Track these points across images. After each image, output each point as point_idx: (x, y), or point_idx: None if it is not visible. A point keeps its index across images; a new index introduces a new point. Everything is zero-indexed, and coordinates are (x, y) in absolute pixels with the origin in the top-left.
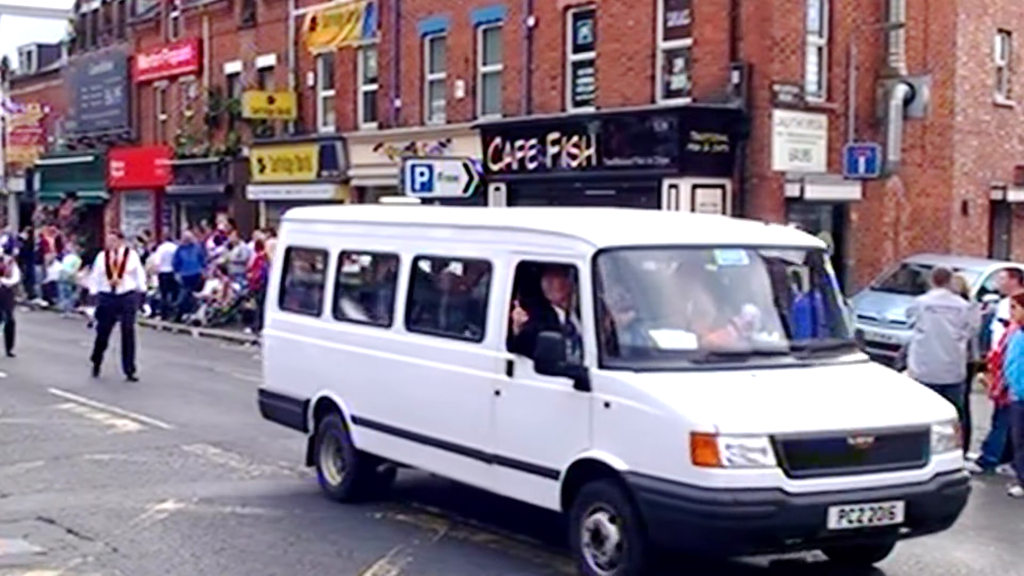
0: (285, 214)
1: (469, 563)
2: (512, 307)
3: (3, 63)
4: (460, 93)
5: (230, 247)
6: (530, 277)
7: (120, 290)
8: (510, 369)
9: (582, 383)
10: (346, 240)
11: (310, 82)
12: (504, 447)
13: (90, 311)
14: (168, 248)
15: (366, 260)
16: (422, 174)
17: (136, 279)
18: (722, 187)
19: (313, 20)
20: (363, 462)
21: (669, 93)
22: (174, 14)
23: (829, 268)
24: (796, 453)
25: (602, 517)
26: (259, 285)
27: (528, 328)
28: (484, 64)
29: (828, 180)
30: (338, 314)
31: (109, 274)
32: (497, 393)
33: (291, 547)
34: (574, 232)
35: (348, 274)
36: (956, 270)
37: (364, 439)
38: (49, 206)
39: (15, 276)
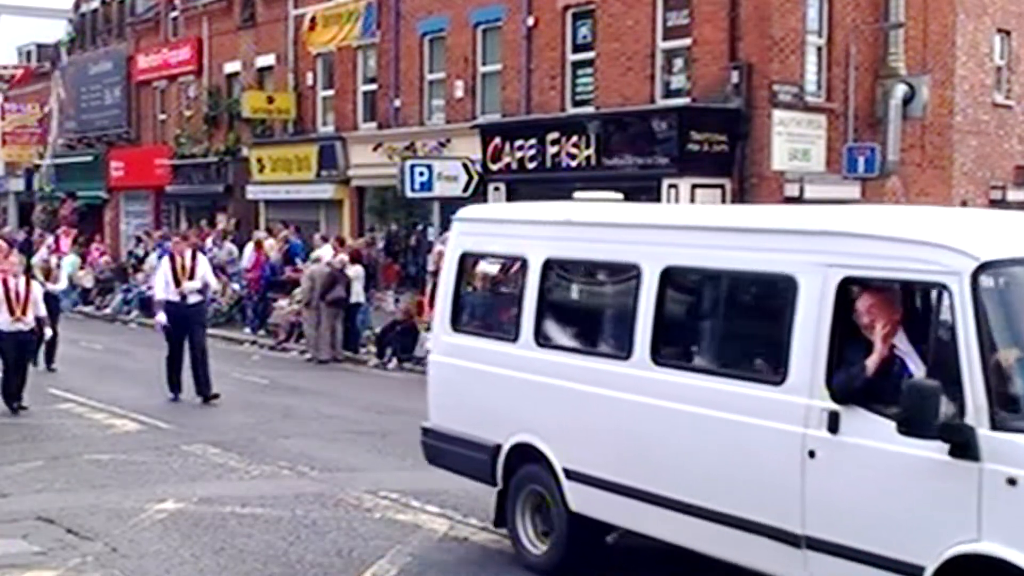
0: (458, 213)
1: (470, 563)
2: (834, 339)
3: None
4: (459, 93)
5: (219, 247)
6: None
7: (190, 299)
8: (834, 423)
9: (965, 449)
10: (554, 246)
11: (309, 82)
12: (824, 527)
13: (161, 318)
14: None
15: (585, 272)
16: (421, 174)
17: (205, 286)
18: (721, 187)
19: (312, 20)
20: (579, 527)
21: (668, 93)
22: (173, 14)
23: None
24: None
25: None
26: (258, 286)
27: (857, 369)
28: (483, 64)
29: (827, 180)
30: (543, 339)
31: (177, 281)
32: (811, 454)
33: (291, 547)
34: (940, 240)
35: (557, 289)
36: None
37: (582, 499)
38: (48, 206)
39: (63, 282)
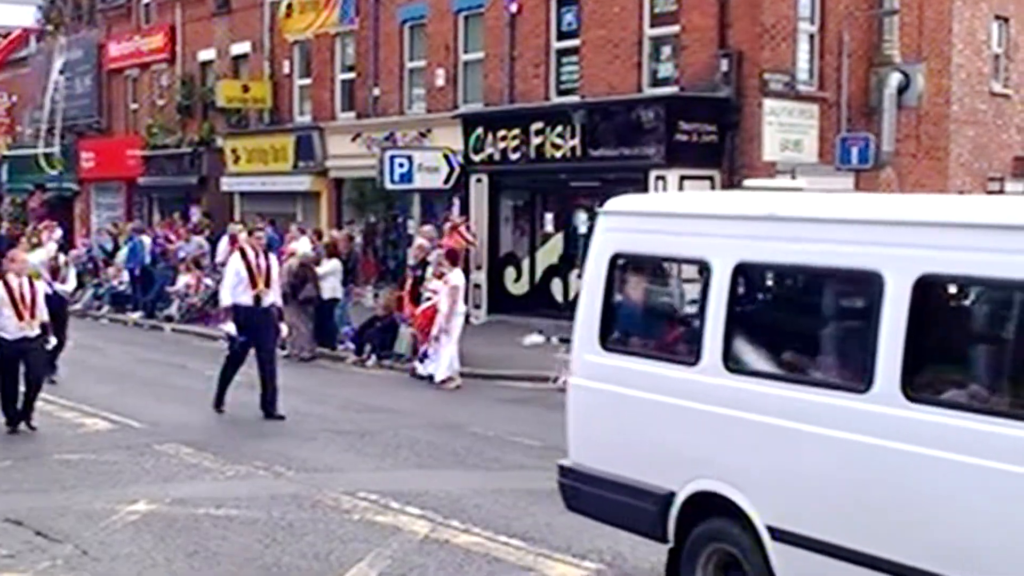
0: (606, 205)
1: (451, 566)
2: None
3: None
4: (440, 82)
5: (187, 241)
6: None
7: (265, 302)
8: None
9: None
10: (749, 247)
11: (286, 70)
12: None
13: (230, 327)
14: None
15: (796, 281)
16: (401, 165)
17: (277, 288)
18: (711, 178)
19: (289, 6)
20: None
21: (656, 81)
22: (146, 0)
23: None
24: None
25: None
26: None
27: None
28: (465, 52)
29: (820, 171)
30: (734, 363)
31: (254, 283)
32: None
33: (266, 550)
34: None
35: (754, 301)
36: None
37: (797, 567)
38: (17, 198)
39: (71, 281)
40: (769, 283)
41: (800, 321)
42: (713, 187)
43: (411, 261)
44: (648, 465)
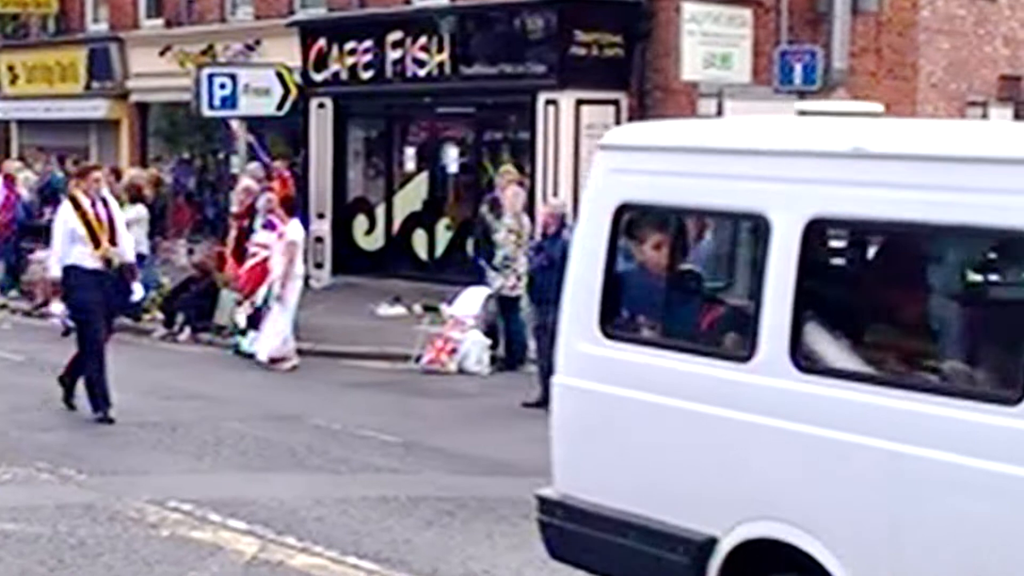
0: (608, 136)
1: None
2: None
3: None
4: None
5: None
6: None
7: (115, 264)
8: None
9: None
10: (829, 196)
11: None
12: None
13: (57, 308)
14: None
15: (904, 244)
16: (223, 87)
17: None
18: (615, 103)
19: None
20: None
21: None
22: None
23: None
24: None
25: None
26: (9, 232)
27: None
28: None
29: (754, 94)
30: (808, 359)
31: (96, 240)
32: None
33: (52, 574)
34: None
35: (837, 272)
36: None
37: None
38: None
39: None
40: (860, 246)
41: (910, 301)
42: (618, 114)
43: (235, 208)
44: (675, 499)
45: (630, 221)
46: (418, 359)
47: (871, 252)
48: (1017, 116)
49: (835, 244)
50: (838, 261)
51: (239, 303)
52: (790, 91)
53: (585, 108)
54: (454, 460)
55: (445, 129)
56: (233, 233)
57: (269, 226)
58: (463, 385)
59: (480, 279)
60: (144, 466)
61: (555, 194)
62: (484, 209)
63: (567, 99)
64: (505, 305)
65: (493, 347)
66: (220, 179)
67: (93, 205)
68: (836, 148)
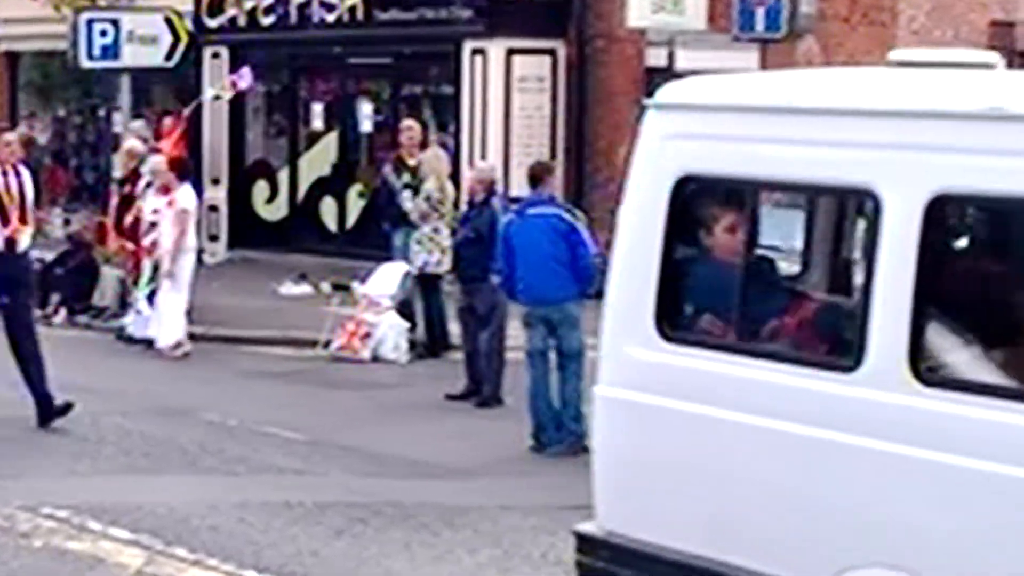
0: (661, 94)
1: None
2: None
3: None
4: None
5: None
6: None
7: (21, 246)
8: None
9: None
10: (956, 167)
11: None
12: None
13: None
14: None
15: None
16: (104, 34)
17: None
18: (551, 53)
19: None
20: None
21: None
22: None
23: None
24: None
25: None
26: None
27: None
28: None
29: (710, 42)
30: (935, 369)
31: (5, 217)
32: None
33: None
34: None
35: (969, 260)
36: None
37: None
38: None
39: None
40: (997, 229)
41: None
42: (555, 65)
43: (117, 172)
44: (756, 541)
45: (694, 197)
46: (326, 345)
47: (1012, 236)
48: (1010, 66)
49: (965, 226)
50: (969, 247)
51: (123, 281)
52: (751, 39)
53: (517, 58)
54: (367, 460)
55: (358, 83)
56: (115, 200)
57: (164, 191)
58: (378, 374)
59: (391, 253)
60: (14, 468)
61: (483, 157)
62: (387, 169)
63: (496, 48)
64: (426, 284)
65: (412, 331)
66: (101, 139)
67: (4, 175)
68: (968, 108)
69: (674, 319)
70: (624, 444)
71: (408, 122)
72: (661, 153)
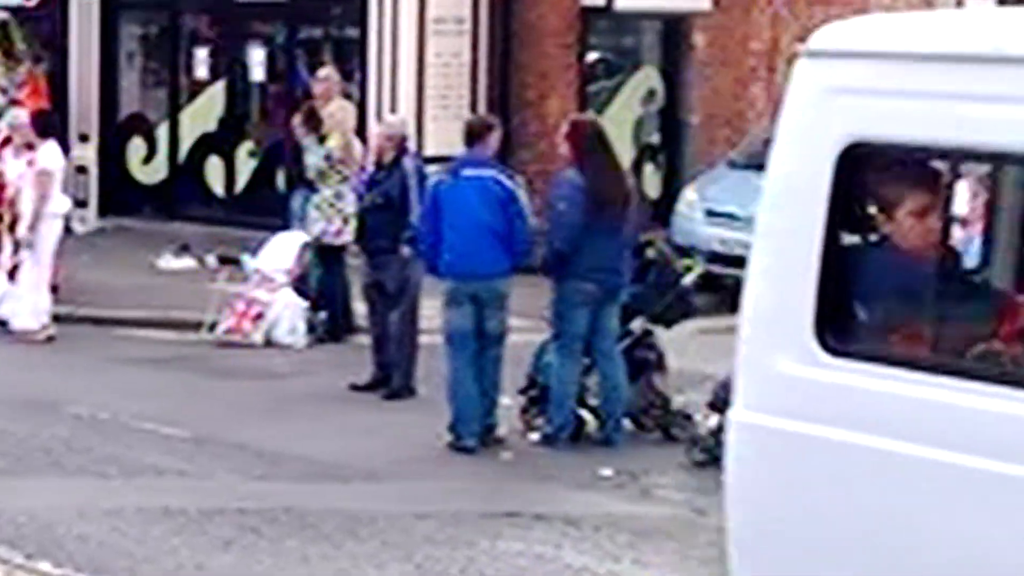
0: (816, 39)
1: None
2: None
3: None
4: None
5: None
6: None
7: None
8: None
9: None
10: None
11: None
12: None
13: None
14: None
15: None
16: None
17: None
18: None
19: None
20: None
21: None
22: None
23: None
24: None
25: None
26: None
27: None
28: None
29: None
30: None
31: None
32: None
33: None
34: None
35: None
36: None
37: None
38: None
39: None
40: None
41: None
42: (476, 6)
43: None
44: None
45: (867, 170)
46: (212, 327)
47: None
48: (1002, 2)
49: None
50: None
51: None
52: None
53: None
54: (260, 460)
55: (248, 24)
56: None
57: (26, 150)
58: (272, 361)
59: (292, 221)
60: None
61: (392, 110)
62: (297, 122)
63: None
64: (327, 257)
65: (312, 311)
66: None
67: None
68: None
69: (842, 326)
70: (772, 486)
71: (326, 70)
72: (821, 114)
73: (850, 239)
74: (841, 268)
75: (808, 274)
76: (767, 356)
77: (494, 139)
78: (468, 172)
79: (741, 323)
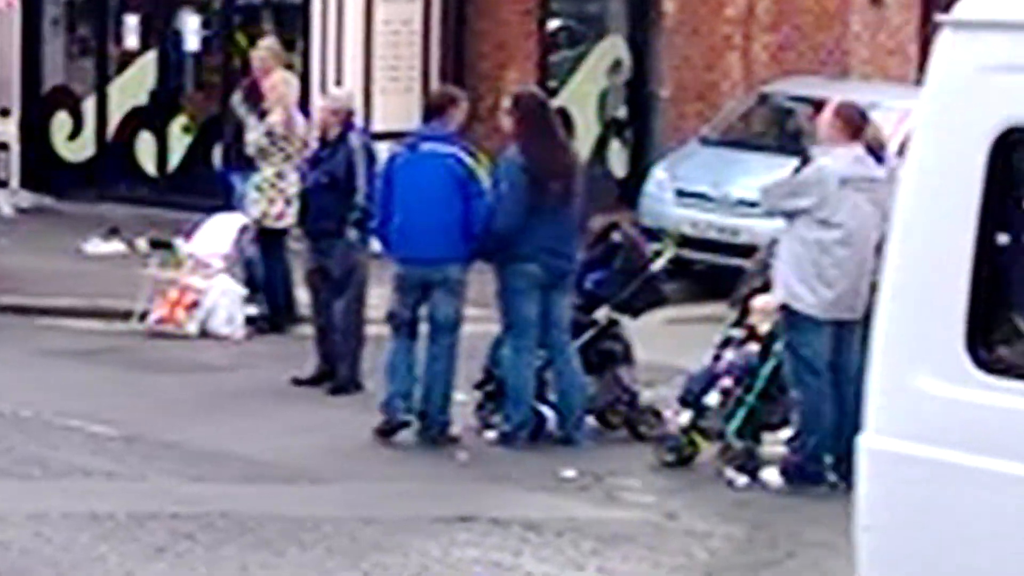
0: (961, 8)
1: None
2: None
3: None
4: None
5: None
6: None
7: None
8: None
9: None
10: None
11: None
12: None
13: None
14: None
15: None
16: None
17: None
18: None
19: None
20: None
21: None
22: None
23: None
24: None
25: None
26: None
27: None
28: None
29: None
30: None
31: None
32: None
33: None
34: None
35: None
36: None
37: None
38: None
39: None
40: None
41: None
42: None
43: None
44: None
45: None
46: (143, 317)
47: None
48: None
49: None
50: None
51: None
52: None
53: None
54: (195, 460)
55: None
56: None
57: None
58: (208, 354)
59: (231, 202)
60: None
61: (338, 83)
62: (236, 99)
63: None
64: (268, 241)
65: (250, 300)
66: None
67: None
68: None
69: (999, 339)
70: (910, 519)
71: (268, 40)
72: (972, 95)
73: (1007, 239)
74: (997, 272)
75: (958, 280)
76: (906, 374)
77: (458, 113)
78: (426, 147)
79: (875, 336)
